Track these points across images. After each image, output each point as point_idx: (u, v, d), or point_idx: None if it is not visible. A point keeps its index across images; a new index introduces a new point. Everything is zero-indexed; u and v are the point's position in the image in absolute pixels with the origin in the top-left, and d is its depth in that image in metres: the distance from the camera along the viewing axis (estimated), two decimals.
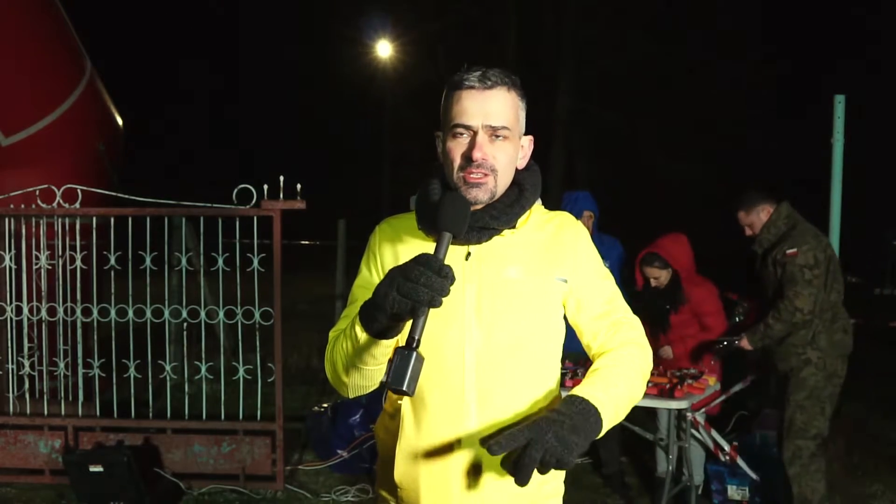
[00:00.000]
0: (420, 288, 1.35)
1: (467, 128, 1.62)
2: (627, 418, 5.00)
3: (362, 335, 1.49)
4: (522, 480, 1.41)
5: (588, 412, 1.52)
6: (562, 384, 4.02)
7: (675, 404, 3.89)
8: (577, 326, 1.74)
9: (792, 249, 3.90)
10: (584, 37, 16.07)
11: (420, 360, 1.38)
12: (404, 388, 1.36)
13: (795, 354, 3.96)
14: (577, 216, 4.81)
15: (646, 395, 3.92)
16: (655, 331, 4.55)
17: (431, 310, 1.39)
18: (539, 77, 16.34)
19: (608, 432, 5.39)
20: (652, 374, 4.14)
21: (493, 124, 1.61)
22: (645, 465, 5.09)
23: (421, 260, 1.37)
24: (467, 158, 1.61)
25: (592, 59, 16.32)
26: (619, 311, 1.74)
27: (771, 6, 17.22)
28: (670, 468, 4.10)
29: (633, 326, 1.74)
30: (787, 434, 3.97)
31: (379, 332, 1.46)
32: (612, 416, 1.59)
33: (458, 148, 1.63)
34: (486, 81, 1.62)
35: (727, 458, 4.39)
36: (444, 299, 1.38)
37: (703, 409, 4.36)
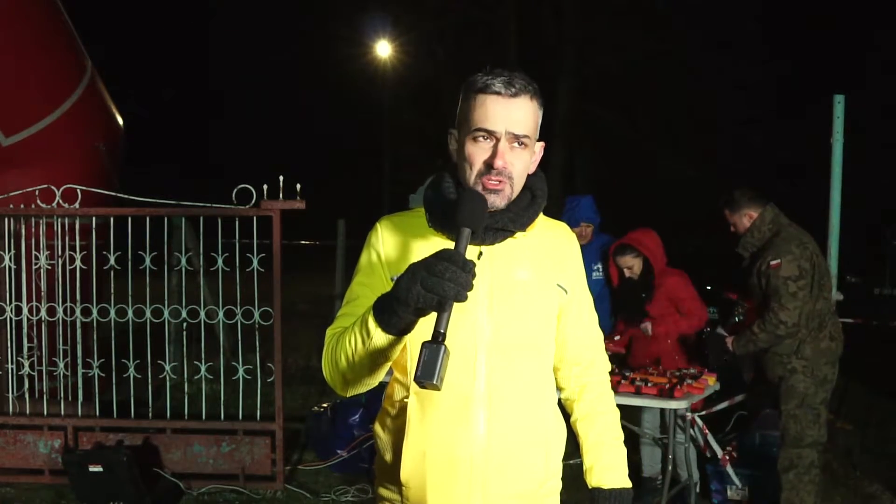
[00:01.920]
0: (445, 283, 1.35)
1: (490, 133, 1.62)
2: (625, 418, 4.99)
3: (377, 332, 1.47)
4: None
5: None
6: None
7: (675, 404, 3.89)
8: (559, 343, 1.82)
9: (775, 261, 3.81)
10: (584, 37, 16.06)
11: (447, 353, 1.39)
12: (434, 382, 1.37)
13: (781, 364, 3.91)
14: (576, 223, 4.88)
15: (646, 395, 3.94)
16: (634, 321, 4.60)
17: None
18: (539, 77, 16.28)
19: None
20: (651, 375, 4.15)
21: (515, 132, 1.62)
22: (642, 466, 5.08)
23: (444, 255, 1.38)
24: (488, 166, 1.62)
25: (592, 59, 16.31)
26: (598, 364, 1.88)
27: (771, 6, 17.21)
28: (669, 468, 4.10)
29: (603, 383, 1.89)
30: (783, 443, 3.94)
31: (399, 328, 1.46)
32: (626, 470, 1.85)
33: (479, 153, 1.64)
34: (510, 88, 1.62)
35: (719, 464, 4.38)
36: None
37: (704, 411, 4.37)
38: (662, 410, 4.31)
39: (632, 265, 4.55)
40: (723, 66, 15.60)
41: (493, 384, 1.65)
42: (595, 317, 1.90)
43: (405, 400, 1.69)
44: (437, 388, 1.38)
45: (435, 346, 1.38)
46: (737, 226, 4.09)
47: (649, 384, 3.98)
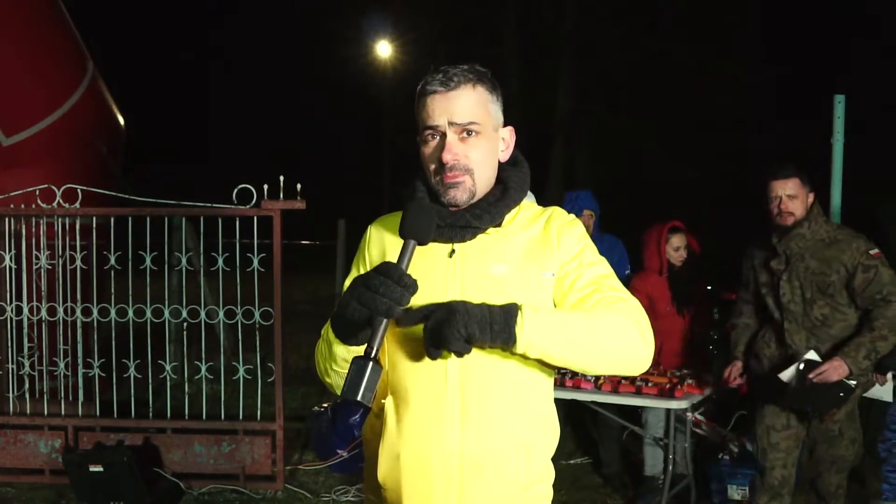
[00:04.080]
0: (378, 297, 1.36)
1: (434, 128, 1.62)
2: (627, 418, 4.93)
3: (333, 340, 1.53)
4: (429, 352, 1.45)
5: (504, 309, 1.46)
6: (561, 384, 3.99)
7: (675, 404, 3.89)
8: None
9: (874, 250, 3.33)
10: (584, 37, 16.07)
11: (377, 370, 1.37)
12: (358, 399, 1.36)
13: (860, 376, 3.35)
14: (578, 215, 4.87)
15: (646, 395, 3.94)
16: (681, 308, 4.59)
17: (420, 306, 1.41)
18: (539, 77, 16.35)
19: (608, 432, 5.34)
20: (651, 375, 4.14)
21: (458, 122, 1.61)
22: (644, 465, 5.08)
23: (382, 269, 1.38)
24: (439, 162, 1.61)
25: (592, 58, 16.32)
26: (607, 289, 1.61)
27: (771, 6, 17.23)
28: (670, 468, 4.10)
29: (623, 300, 1.60)
30: (834, 467, 3.57)
31: (346, 338, 1.50)
32: (542, 325, 1.46)
33: (430, 152, 1.64)
34: (448, 84, 1.61)
35: (735, 446, 4.39)
36: (430, 297, 1.41)
37: (702, 407, 4.38)
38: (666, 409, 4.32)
39: (685, 246, 4.60)
40: (723, 66, 15.59)
41: (467, 385, 1.60)
42: (609, 275, 1.66)
43: (383, 401, 1.67)
44: (363, 405, 1.37)
45: (362, 363, 1.37)
46: (794, 202, 3.43)
47: (650, 384, 3.98)
